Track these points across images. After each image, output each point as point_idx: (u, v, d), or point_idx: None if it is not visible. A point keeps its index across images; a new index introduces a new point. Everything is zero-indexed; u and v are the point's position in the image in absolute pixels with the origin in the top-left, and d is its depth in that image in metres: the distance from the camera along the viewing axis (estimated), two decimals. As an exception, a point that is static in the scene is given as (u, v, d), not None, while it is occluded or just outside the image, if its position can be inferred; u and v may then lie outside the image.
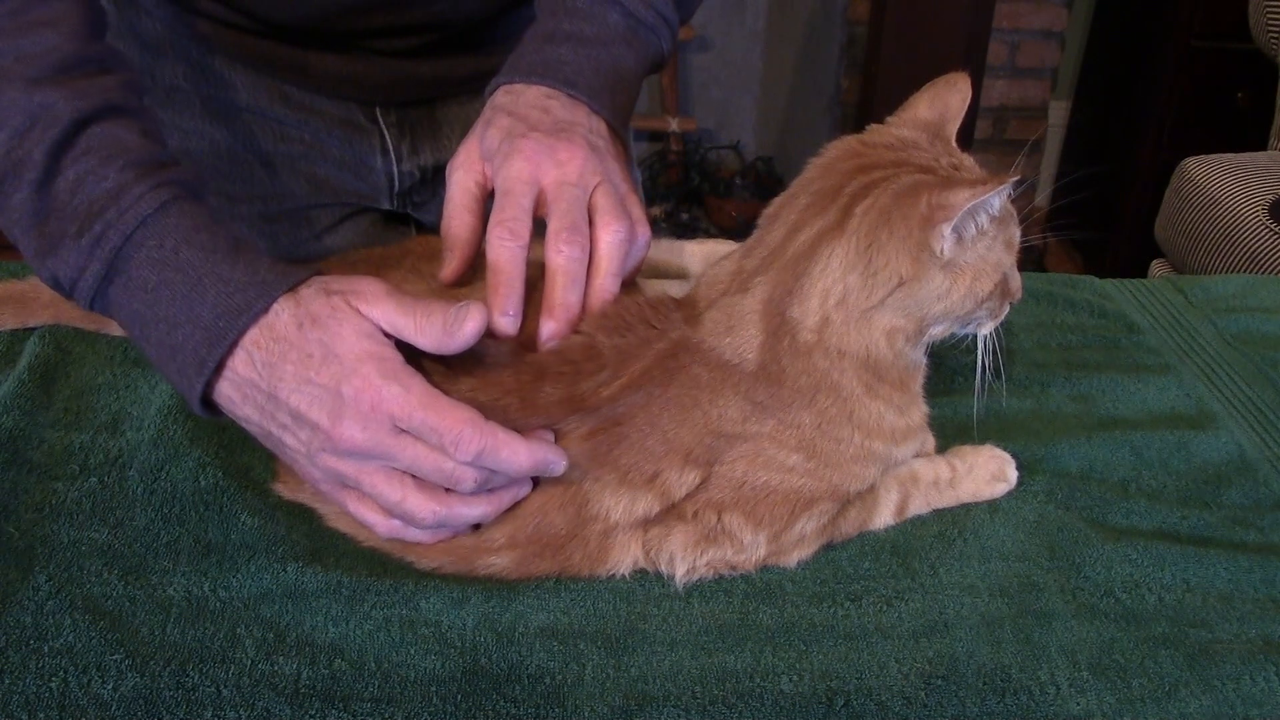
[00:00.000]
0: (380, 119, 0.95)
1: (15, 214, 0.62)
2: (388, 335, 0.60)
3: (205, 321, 0.59)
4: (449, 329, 0.59)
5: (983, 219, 0.63)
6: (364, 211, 1.01)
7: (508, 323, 0.63)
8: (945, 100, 0.69)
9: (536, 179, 0.67)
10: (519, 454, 0.59)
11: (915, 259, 0.61)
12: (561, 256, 0.64)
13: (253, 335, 0.59)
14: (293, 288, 0.60)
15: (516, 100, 0.71)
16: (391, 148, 0.97)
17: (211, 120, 0.93)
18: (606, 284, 0.66)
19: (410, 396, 0.58)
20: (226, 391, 0.61)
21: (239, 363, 0.59)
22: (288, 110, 0.93)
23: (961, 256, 0.62)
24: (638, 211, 0.70)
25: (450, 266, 0.68)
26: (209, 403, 0.62)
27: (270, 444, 0.63)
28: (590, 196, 0.67)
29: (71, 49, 0.64)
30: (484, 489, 0.61)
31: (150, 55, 0.90)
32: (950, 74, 0.70)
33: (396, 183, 0.99)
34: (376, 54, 0.89)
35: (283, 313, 0.59)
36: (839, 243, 0.63)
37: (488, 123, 0.71)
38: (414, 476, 0.60)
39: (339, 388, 0.58)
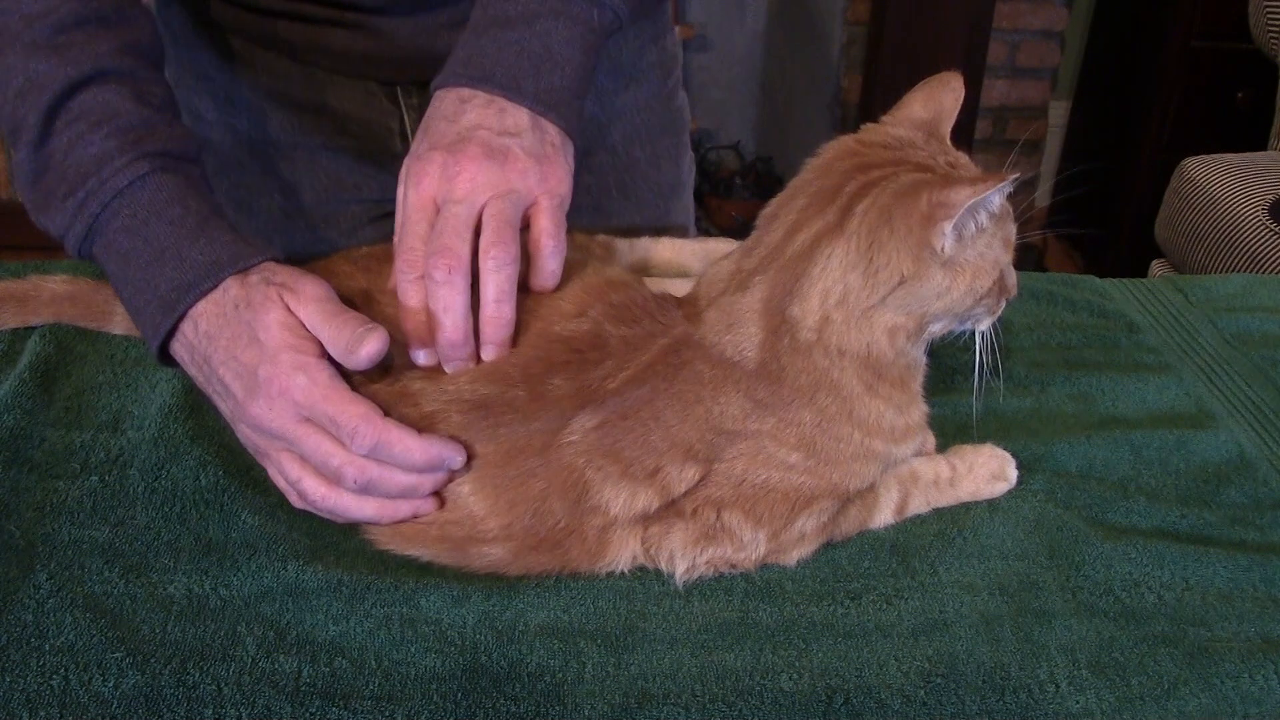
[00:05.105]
0: (401, 101, 0.94)
1: (18, 169, 0.69)
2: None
3: (162, 292, 0.65)
4: (349, 348, 0.63)
5: (982, 217, 0.63)
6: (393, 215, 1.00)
7: (423, 356, 0.65)
8: (939, 99, 0.69)
9: (430, 200, 0.67)
10: (412, 449, 0.61)
11: (916, 257, 0.61)
12: (431, 284, 0.64)
13: (200, 307, 0.65)
14: (244, 270, 0.65)
15: (434, 110, 0.71)
16: (409, 131, 0.95)
17: (233, 109, 0.93)
18: (493, 311, 0.64)
19: (314, 388, 0.61)
20: (179, 351, 0.67)
21: (188, 329, 0.66)
22: (309, 93, 0.92)
23: (961, 254, 0.63)
24: (544, 221, 0.67)
25: (391, 276, 0.69)
26: (170, 358, 0.68)
27: (212, 404, 0.68)
28: (482, 212, 0.66)
29: (70, 9, 0.68)
30: (366, 491, 0.63)
31: (178, 45, 0.91)
32: (943, 73, 0.70)
33: None
34: (390, 27, 0.86)
35: (229, 291, 0.65)
36: (839, 242, 0.63)
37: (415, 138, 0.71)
38: None
39: (257, 369, 0.62)
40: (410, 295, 0.65)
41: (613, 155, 0.99)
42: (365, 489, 0.63)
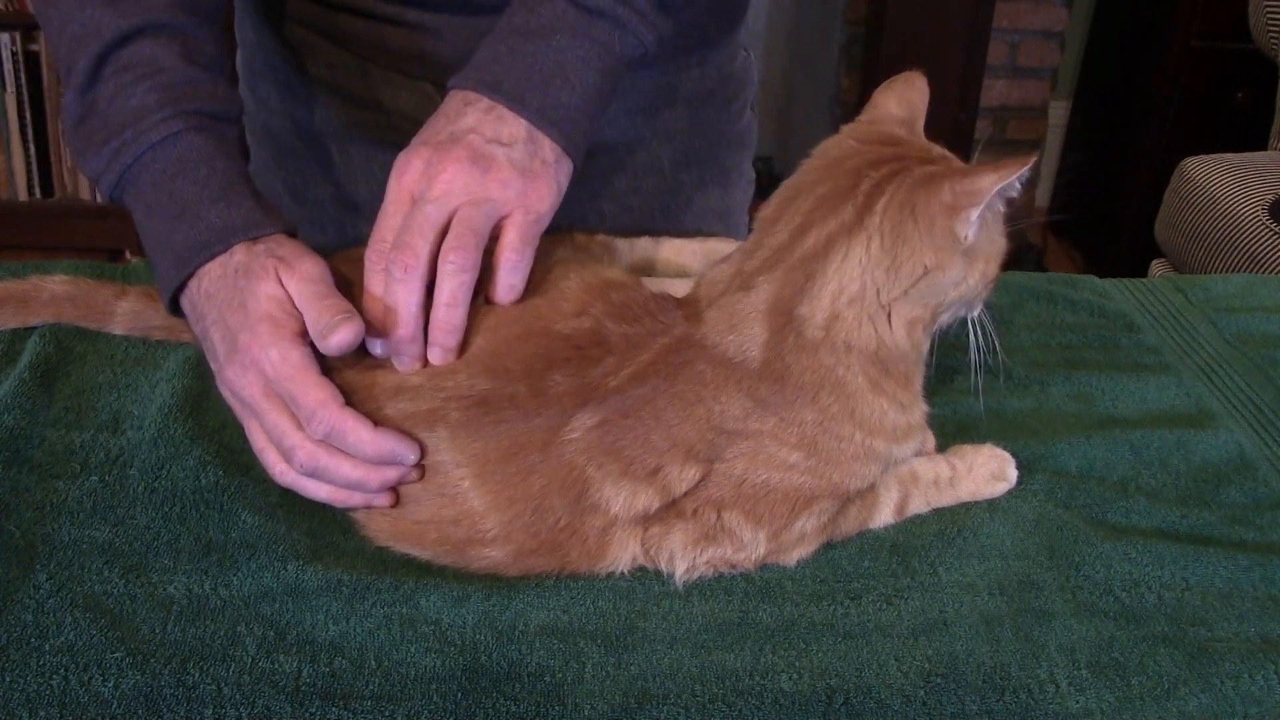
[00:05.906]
0: None
1: (66, 111, 0.72)
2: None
3: (177, 248, 0.68)
4: (321, 333, 0.63)
5: (998, 203, 0.64)
6: None
7: (379, 348, 0.66)
8: (909, 98, 0.71)
9: (407, 194, 0.67)
10: (364, 440, 0.62)
11: (939, 247, 0.62)
12: (389, 279, 0.65)
13: (208, 268, 0.67)
14: (254, 239, 0.67)
15: (439, 109, 0.71)
16: None
17: (293, 98, 0.94)
18: (443, 315, 0.64)
19: (283, 365, 0.63)
20: (184, 305, 0.70)
21: (193, 285, 0.68)
22: (366, 89, 0.92)
23: (978, 241, 0.64)
24: (510, 235, 0.67)
25: None
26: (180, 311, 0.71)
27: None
28: (453, 215, 0.66)
29: None
30: (315, 477, 0.64)
31: (253, 29, 0.92)
32: (906, 72, 0.71)
33: None
34: (445, 27, 0.86)
35: (234, 256, 0.66)
36: (859, 239, 0.63)
37: None
38: None
39: (238, 335, 0.64)
40: (374, 286, 0.66)
41: (661, 178, 0.98)
42: (313, 474, 0.64)
